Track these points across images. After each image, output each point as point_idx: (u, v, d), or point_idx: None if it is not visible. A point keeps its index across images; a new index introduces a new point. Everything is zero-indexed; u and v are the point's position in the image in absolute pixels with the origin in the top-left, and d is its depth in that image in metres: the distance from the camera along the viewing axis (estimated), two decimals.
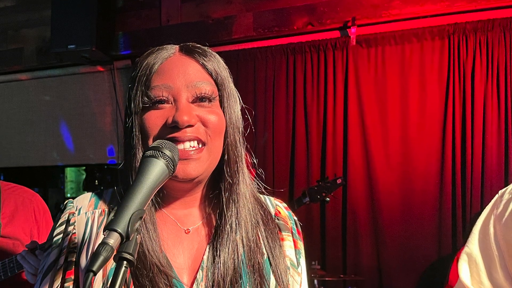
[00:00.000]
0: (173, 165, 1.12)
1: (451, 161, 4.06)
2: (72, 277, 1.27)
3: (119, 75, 5.32)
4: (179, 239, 1.33)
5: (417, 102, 4.20)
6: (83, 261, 1.26)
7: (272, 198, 1.53)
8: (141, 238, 1.20)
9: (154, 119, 1.24)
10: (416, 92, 4.21)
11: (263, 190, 1.49)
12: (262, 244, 1.36)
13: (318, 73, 4.51)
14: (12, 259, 2.47)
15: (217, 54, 1.37)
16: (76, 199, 1.40)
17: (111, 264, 1.20)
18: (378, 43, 4.33)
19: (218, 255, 1.28)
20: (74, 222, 1.33)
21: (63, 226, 1.34)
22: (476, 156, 3.97)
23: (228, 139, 1.32)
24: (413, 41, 4.23)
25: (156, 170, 1.07)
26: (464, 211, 4.02)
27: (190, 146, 1.23)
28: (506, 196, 1.77)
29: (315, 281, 3.72)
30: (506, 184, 1.88)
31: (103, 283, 1.20)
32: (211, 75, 1.30)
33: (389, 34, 4.29)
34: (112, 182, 1.54)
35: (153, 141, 1.22)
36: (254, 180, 1.46)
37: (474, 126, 3.99)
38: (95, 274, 0.88)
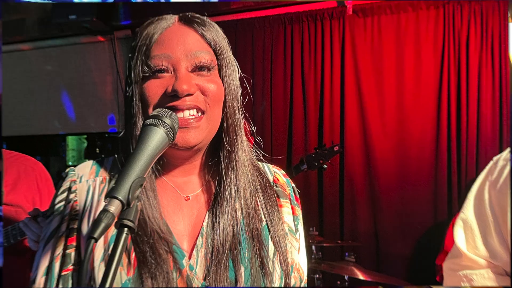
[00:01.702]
0: (173, 133, 1.13)
1: (447, 128, 4.10)
2: (74, 244, 1.28)
3: (120, 45, 5.33)
4: (179, 206, 1.34)
5: (412, 70, 4.23)
6: (85, 228, 1.27)
7: (270, 166, 1.54)
8: (141, 205, 1.22)
9: (154, 88, 1.24)
10: (411, 60, 4.23)
11: (261, 158, 1.50)
12: (261, 211, 1.37)
13: (315, 42, 4.53)
14: (15, 226, 2.49)
15: (215, 24, 1.36)
16: (77, 167, 1.41)
17: (112, 231, 1.22)
18: (374, 12, 4.34)
19: (217, 221, 1.29)
20: (76, 189, 1.34)
21: (65, 194, 1.35)
22: (471, 123, 4.01)
23: (227, 108, 1.33)
24: (408, 11, 4.24)
25: (156, 138, 1.08)
26: (459, 177, 4.07)
27: (190, 114, 1.24)
28: (500, 163, 1.79)
29: (313, 247, 3.75)
30: (501, 151, 1.91)
31: (104, 250, 1.21)
32: (210, 44, 1.30)
33: (385, 3, 4.29)
34: (113, 150, 1.55)
35: (153, 109, 1.23)
36: (252, 148, 1.46)
37: (469, 94, 4.03)
38: (96, 240, 0.89)
